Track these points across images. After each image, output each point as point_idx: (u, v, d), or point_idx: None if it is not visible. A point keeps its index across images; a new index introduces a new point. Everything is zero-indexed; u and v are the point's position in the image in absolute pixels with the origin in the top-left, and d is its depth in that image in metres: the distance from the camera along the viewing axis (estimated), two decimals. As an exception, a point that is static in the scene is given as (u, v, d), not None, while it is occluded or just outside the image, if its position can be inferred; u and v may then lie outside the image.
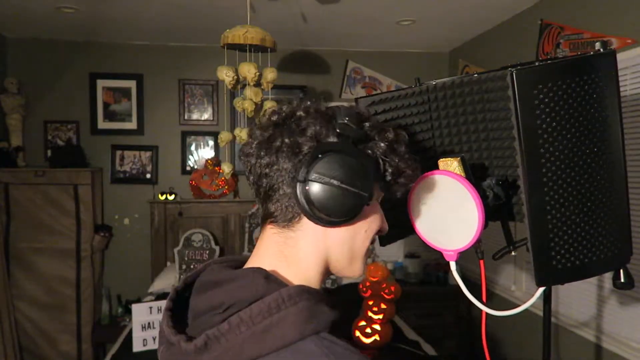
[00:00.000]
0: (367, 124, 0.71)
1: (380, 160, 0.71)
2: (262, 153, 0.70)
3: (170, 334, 0.65)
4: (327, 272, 0.75)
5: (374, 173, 0.70)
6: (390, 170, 0.72)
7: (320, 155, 0.66)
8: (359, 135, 0.69)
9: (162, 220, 3.69)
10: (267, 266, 0.70)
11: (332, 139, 0.68)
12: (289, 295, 0.61)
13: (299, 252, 0.71)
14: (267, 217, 0.73)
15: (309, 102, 0.73)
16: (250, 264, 0.73)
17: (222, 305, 0.64)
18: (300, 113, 0.71)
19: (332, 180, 0.65)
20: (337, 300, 0.72)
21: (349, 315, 2.56)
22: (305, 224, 0.70)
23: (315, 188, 0.65)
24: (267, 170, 0.69)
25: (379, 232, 0.77)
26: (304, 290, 0.63)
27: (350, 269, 0.76)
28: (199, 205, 3.75)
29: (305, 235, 0.71)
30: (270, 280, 0.65)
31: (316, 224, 0.69)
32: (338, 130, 0.68)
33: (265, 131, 0.71)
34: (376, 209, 0.76)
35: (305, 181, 0.66)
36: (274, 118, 0.72)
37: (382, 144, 0.71)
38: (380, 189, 0.74)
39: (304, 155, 0.67)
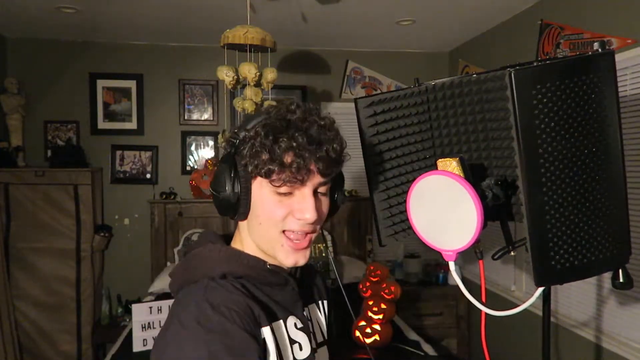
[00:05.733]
0: (241, 133, 0.84)
1: (244, 159, 0.83)
2: None
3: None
4: (263, 245, 0.89)
5: (235, 173, 0.83)
6: (252, 167, 0.82)
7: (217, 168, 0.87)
8: (233, 145, 0.84)
9: (162, 220, 3.69)
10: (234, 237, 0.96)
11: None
12: (208, 250, 0.89)
13: (245, 236, 0.91)
14: None
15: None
16: None
17: (185, 254, 0.95)
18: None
19: (212, 191, 0.86)
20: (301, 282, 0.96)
21: (349, 314, 2.55)
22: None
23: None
24: None
25: (285, 217, 0.85)
26: (218, 249, 0.89)
27: (277, 257, 0.88)
28: (199, 205, 3.75)
29: (242, 225, 0.91)
30: (211, 241, 0.92)
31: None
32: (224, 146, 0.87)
33: None
34: (260, 201, 0.84)
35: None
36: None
37: (248, 144, 0.82)
38: (263, 178, 0.83)
39: None
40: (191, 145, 3.92)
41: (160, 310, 2.52)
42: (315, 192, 0.84)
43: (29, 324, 3.45)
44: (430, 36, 3.66)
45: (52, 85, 3.72)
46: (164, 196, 3.71)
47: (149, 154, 3.85)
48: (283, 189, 0.81)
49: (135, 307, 2.50)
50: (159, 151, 3.87)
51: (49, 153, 3.70)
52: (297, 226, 0.84)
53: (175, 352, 0.74)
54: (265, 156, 0.80)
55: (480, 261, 1.09)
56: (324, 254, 3.49)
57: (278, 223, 0.84)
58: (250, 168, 0.82)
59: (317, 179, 0.83)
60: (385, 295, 2.49)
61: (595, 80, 0.94)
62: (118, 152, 3.83)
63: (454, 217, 0.97)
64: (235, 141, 0.83)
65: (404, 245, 3.94)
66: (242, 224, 0.90)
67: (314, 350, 0.92)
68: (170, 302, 2.55)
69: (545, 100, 0.91)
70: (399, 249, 3.95)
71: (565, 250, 0.98)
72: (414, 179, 1.01)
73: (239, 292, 0.82)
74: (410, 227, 1.07)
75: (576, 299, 2.61)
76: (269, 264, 0.89)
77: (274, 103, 2.52)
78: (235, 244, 0.93)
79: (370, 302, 2.49)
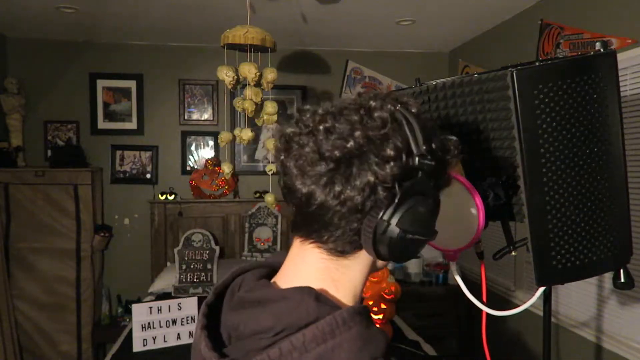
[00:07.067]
0: (437, 149, 0.64)
1: (437, 179, 0.67)
2: (332, 187, 0.60)
3: (212, 357, 0.60)
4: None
5: (438, 205, 0.66)
6: (441, 184, 0.69)
7: (403, 204, 0.60)
8: (433, 168, 0.62)
9: (162, 220, 3.69)
10: (315, 286, 0.63)
11: (410, 174, 0.61)
12: (343, 320, 0.57)
13: (351, 277, 0.67)
14: (316, 242, 0.65)
15: (380, 109, 0.62)
16: (292, 282, 0.65)
17: (271, 330, 0.59)
18: (382, 147, 0.60)
19: (414, 236, 0.62)
20: None
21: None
22: (363, 254, 0.65)
23: (391, 239, 0.61)
24: (336, 205, 0.61)
25: None
26: (356, 312, 0.59)
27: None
28: (199, 205, 3.75)
29: (360, 262, 0.67)
30: (321, 302, 0.60)
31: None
32: (417, 164, 0.61)
33: (336, 156, 0.60)
34: None
35: (385, 234, 0.60)
36: (350, 145, 0.59)
37: (443, 164, 0.67)
38: None
39: (380, 200, 0.60)
40: (191, 145, 3.91)
41: (160, 310, 2.51)
42: None
43: (29, 324, 3.44)
44: (430, 36, 3.66)
45: (52, 85, 3.72)
46: (164, 196, 3.71)
47: (149, 154, 3.85)
48: None
49: (135, 307, 2.50)
50: (159, 151, 3.87)
51: (49, 153, 3.70)
52: None
53: None
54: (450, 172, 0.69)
55: (481, 261, 1.09)
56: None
57: None
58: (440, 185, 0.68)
59: None
60: (385, 295, 2.48)
61: (597, 80, 0.94)
62: (118, 152, 3.83)
63: (455, 216, 0.97)
64: (432, 163, 0.62)
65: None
66: (354, 263, 0.67)
67: None
68: (171, 302, 2.55)
69: (547, 100, 0.91)
70: (399, 249, 3.94)
71: (567, 250, 0.98)
72: (415, 179, 1.01)
73: None
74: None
75: (577, 299, 2.61)
76: None
77: (274, 103, 2.53)
78: (335, 291, 0.66)
79: (370, 302, 2.49)
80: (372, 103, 0.63)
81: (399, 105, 0.63)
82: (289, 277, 0.67)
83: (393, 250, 0.61)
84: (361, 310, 0.60)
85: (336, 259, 0.65)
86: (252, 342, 0.60)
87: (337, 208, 0.61)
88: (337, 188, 0.60)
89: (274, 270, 0.71)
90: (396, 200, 0.60)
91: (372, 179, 0.59)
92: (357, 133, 0.60)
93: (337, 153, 0.59)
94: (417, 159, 0.60)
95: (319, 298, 0.60)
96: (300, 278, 0.65)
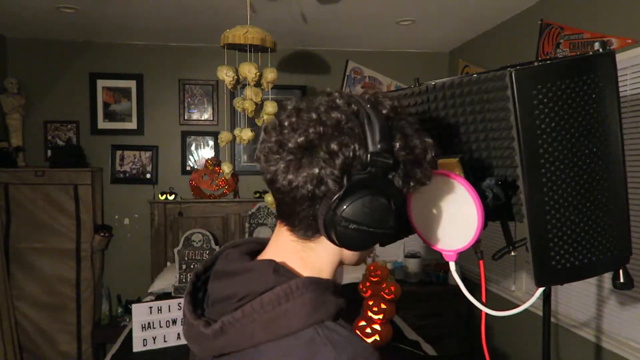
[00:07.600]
0: (400, 149, 0.68)
1: (403, 178, 0.70)
2: (286, 175, 0.67)
3: (190, 318, 0.71)
4: (339, 266, 0.79)
5: (400, 197, 0.70)
6: (412, 183, 0.71)
7: (348, 196, 0.65)
8: (390, 166, 0.67)
9: (162, 220, 3.69)
10: (281, 260, 0.72)
11: (361, 169, 0.66)
12: (297, 287, 0.66)
13: (316, 258, 0.74)
14: (287, 225, 0.73)
15: (341, 108, 0.67)
16: (265, 258, 0.76)
17: (236, 295, 0.69)
18: (329, 143, 0.65)
19: (359, 227, 0.67)
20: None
21: (349, 315, 2.55)
22: (325, 239, 0.71)
23: (340, 229, 0.67)
24: (290, 191, 0.67)
25: None
26: (311, 281, 0.67)
27: (356, 264, 0.80)
28: (199, 205, 3.76)
29: (324, 247, 0.73)
30: (280, 273, 0.69)
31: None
32: (368, 161, 0.65)
33: (291, 148, 0.66)
34: None
35: (332, 222, 0.66)
36: (300, 140, 0.65)
37: (410, 164, 0.70)
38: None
39: (330, 191, 0.65)
40: (191, 145, 3.92)
41: (160, 310, 2.52)
42: None
43: (29, 324, 3.44)
44: (430, 36, 3.66)
45: (52, 85, 3.72)
46: (164, 196, 3.71)
47: (149, 154, 3.85)
48: None
49: (135, 307, 2.50)
50: (159, 151, 3.87)
51: (49, 153, 3.70)
52: None
53: None
54: (430, 174, 0.73)
55: (481, 261, 1.09)
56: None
57: None
58: (411, 184, 0.71)
59: None
60: (385, 295, 2.48)
61: (596, 80, 0.94)
62: (118, 152, 3.83)
63: (454, 217, 0.97)
64: (389, 161, 0.66)
65: (404, 245, 3.94)
66: (319, 247, 0.73)
67: None
68: (171, 302, 2.56)
69: (545, 100, 0.91)
70: (399, 249, 3.95)
71: (566, 251, 0.97)
72: (414, 179, 1.01)
73: (351, 334, 0.67)
74: (410, 227, 1.06)
75: (576, 299, 2.61)
76: None
77: (274, 103, 2.53)
78: (301, 268, 0.73)
79: (370, 302, 2.49)
80: (338, 102, 0.69)
81: (369, 105, 0.68)
82: (267, 254, 0.76)
83: (341, 238, 0.68)
84: (316, 280, 0.68)
85: (302, 241, 0.73)
86: (223, 306, 0.70)
87: (291, 194, 0.68)
88: (290, 176, 0.67)
89: (264, 246, 0.80)
90: (341, 192, 0.65)
91: (316, 170, 0.65)
92: (311, 130, 0.66)
93: (290, 145, 0.66)
94: (368, 156, 0.65)
95: (278, 270, 0.69)
96: (275, 256, 0.74)
